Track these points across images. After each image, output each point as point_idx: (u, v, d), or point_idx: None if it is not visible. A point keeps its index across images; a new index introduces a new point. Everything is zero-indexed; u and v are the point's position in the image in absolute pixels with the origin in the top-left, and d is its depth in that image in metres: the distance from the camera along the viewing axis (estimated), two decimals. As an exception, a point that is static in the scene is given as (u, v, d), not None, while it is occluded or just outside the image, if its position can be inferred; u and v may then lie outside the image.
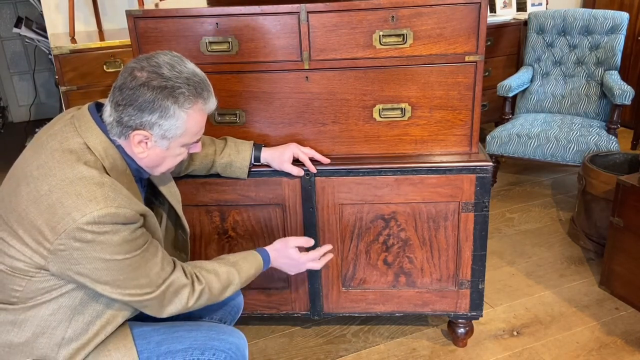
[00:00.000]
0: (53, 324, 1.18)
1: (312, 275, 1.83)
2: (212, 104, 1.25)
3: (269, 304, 1.91)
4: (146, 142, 1.20)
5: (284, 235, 1.78)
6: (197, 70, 1.23)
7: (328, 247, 1.60)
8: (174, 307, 1.26)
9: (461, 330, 1.94)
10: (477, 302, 1.84)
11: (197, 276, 1.31)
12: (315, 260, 1.57)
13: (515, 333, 2.05)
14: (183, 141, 1.23)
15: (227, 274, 1.37)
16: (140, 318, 1.36)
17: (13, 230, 1.12)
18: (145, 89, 1.15)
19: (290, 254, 1.52)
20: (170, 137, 1.20)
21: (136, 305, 1.22)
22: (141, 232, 1.17)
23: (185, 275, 1.27)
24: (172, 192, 1.45)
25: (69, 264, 1.11)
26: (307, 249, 1.59)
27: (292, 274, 1.60)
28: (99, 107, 1.24)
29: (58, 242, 1.08)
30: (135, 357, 1.24)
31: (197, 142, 1.29)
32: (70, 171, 1.11)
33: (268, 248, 1.52)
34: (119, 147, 1.21)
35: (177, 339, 1.30)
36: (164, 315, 1.26)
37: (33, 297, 1.16)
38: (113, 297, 1.18)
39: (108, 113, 1.19)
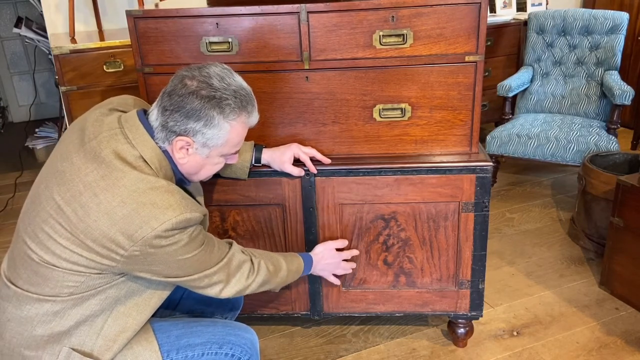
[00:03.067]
0: (97, 312, 1.21)
1: (312, 275, 1.83)
2: (254, 118, 1.30)
3: (269, 304, 1.91)
4: (187, 149, 1.24)
5: (284, 235, 1.79)
6: (244, 84, 1.27)
7: (355, 251, 1.78)
8: (237, 284, 1.34)
9: (461, 331, 1.94)
10: (477, 302, 1.84)
11: (252, 253, 1.41)
12: (346, 263, 1.75)
13: (515, 333, 2.05)
14: (223, 151, 1.28)
15: (275, 257, 1.49)
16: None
17: (80, 240, 1.13)
18: (194, 97, 1.19)
19: (333, 254, 1.69)
20: (211, 145, 1.24)
21: (203, 287, 1.29)
22: (200, 228, 1.24)
23: (243, 252, 1.39)
24: (196, 187, 1.49)
25: (141, 265, 1.17)
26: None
27: (330, 278, 1.74)
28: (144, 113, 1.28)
29: (134, 248, 1.13)
30: (157, 350, 1.28)
31: (235, 153, 1.35)
32: (140, 182, 1.14)
33: (310, 253, 1.66)
34: (166, 153, 1.24)
35: (195, 333, 1.34)
36: (228, 291, 1.33)
37: (87, 291, 1.19)
38: (181, 284, 1.26)
39: (154, 117, 1.23)
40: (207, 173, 1.33)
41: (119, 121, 1.23)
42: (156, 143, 1.22)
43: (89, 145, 1.19)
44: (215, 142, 1.24)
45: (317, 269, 1.67)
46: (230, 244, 1.37)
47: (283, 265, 1.49)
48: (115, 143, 1.18)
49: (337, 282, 1.76)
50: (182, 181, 1.32)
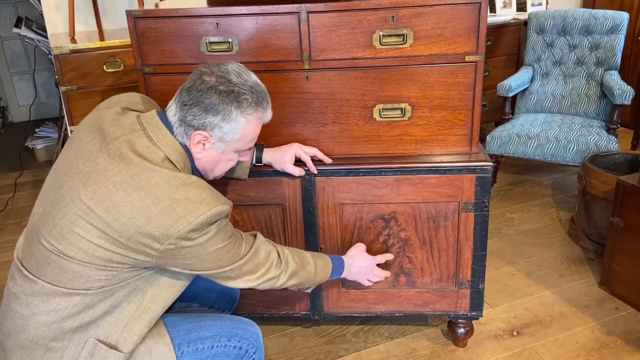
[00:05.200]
0: (124, 304, 1.23)
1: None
2: (269, 114, 1.35)
3: (269, 304, 1.91)
4: (204, 143, 1.27)
5: (284, 235, 1.79)
6: (259, 81, 1.32)
7: (389, 255, 1.76)
8: (267, 274, 1.37)
9: (461, 330, 1.94)
10: (477, 302, 1.84)
11: (276, 244, 1.44)
12: (380, 270, 1.75)
13: (515, 333, 2.05)
14: (238, 147, 1.31)
15: (299, 250, 1.50)
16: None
17: (114, 239, 1.14)
18: (212, 92, 1.23)
19: (366, 257, 1.69)
20: (227, 140, 1.27)
21: (234, 277, 1.31)
22: (228, 220, 1.27)
23: (268, 242, 1.41)
24: None
25: (175, 259, 1.19)
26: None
27: (364, 282, 1.73)
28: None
29: (169, 242, 1.15)
30: (169, 343, 1.30)
31: (249, 149, 1.38)
32: (172, 179, 1.17)
33: (342, 255, 1.66)
34: (186, 149, 1.26)
35: (204, 327, 1.37)
36: (257, 281, 1.35)
37: (117, 283, 1.20)
38: (211, 277, 1.29)
39: (172, 112, 1.26)
40: (221, 169, 1.36)
41: (140, 122, 1.25)
42: (175, 139, 1.24)
43: (112, 146, 1.19)
44: (232, 136, 1.27)
45: (352, 273, 1.66)
46: (255, 235, 1.40)
47: (309, 259, 1.49)
48: (141, 145, 1.20)
49: (370, 284, 1.75)
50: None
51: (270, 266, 1.37)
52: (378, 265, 1.75)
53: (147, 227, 1.13)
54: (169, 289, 1.29)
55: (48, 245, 1.18)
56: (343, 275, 1.63)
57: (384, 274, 1.76)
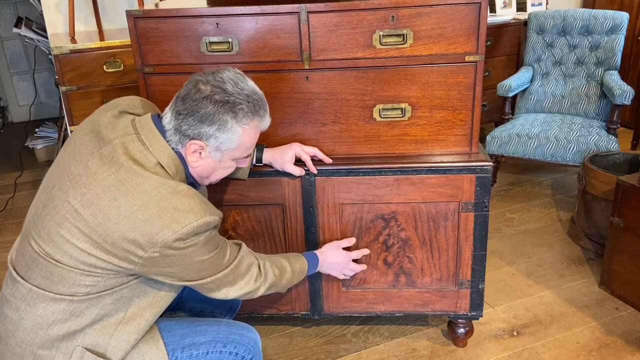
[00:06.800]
0: (111, 312, 1.22)
1: (312, 275, 1.83)
2: (266, 122, 1.32)
3: (269, 304, 1.91)
4: (200, 152, 1.25)
5: (284, 235, 1.79)
6: (257, 88, 1.29)
7: (366, 250, 1.78)
8: (246, 286, 1.36)
9: (461, 330, 1.94)
10: (477, 302, 1.84)
11: (257, 255, 1.43)
12: (357, 263, 1.77)
13: (515, 333, 2.06)
14: (235, 155, 1.29)
15: (279, 259, 1.50)
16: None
17: (98, 244, 1.13)
18: (207, 101, 1.21)
19: (340, 253, 1.70)
20: (224, 149, 1.26)
21: (213, 289, 1.31)
22: (216, 231, 1.26)
23: (250, 254, 1.40)
24: (202, 189, 1.50)
25: (159, 267, 1.18)
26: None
27: (340, 277, 1.75)
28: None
29: (153, 250, 1.13)
30: (163, 349, 1.29)
31: (247, 157, 1.36)
32: (161, 187, 1.15)
33: (316, 251, 1.67)
34: (179, 154, 1.25)
35: (200, 332, 1.35)
36: (235, 293, 1.34)
37: (103, 291, 1.19)
38: (194, 287, 1.28)
39: (168, 120, 1.25)
40: (218, 177, 1.35)
41: (134, 126, 1.24)
42: (169, 144, 1.23)
43: (105, 150, 1.19)
44: (228, 146, 1.25)
45: (324, 268, 1.68)
46: (239, 245, 1.38)
47: (287, 268, 1.50)
48: (133, 150, 1.19)
49: (346, 277, 1.78)
50: (192, 185, 1.33)
51: (249, 279, 1.36)
52: (356, 261, 1.78)
53: (132, 234, 1.12)
54: (157, 299, 1.28)
55: (36, 246, 1.17)
56: (316, 271, 1.66)
57: (359, 268, 1.77)
